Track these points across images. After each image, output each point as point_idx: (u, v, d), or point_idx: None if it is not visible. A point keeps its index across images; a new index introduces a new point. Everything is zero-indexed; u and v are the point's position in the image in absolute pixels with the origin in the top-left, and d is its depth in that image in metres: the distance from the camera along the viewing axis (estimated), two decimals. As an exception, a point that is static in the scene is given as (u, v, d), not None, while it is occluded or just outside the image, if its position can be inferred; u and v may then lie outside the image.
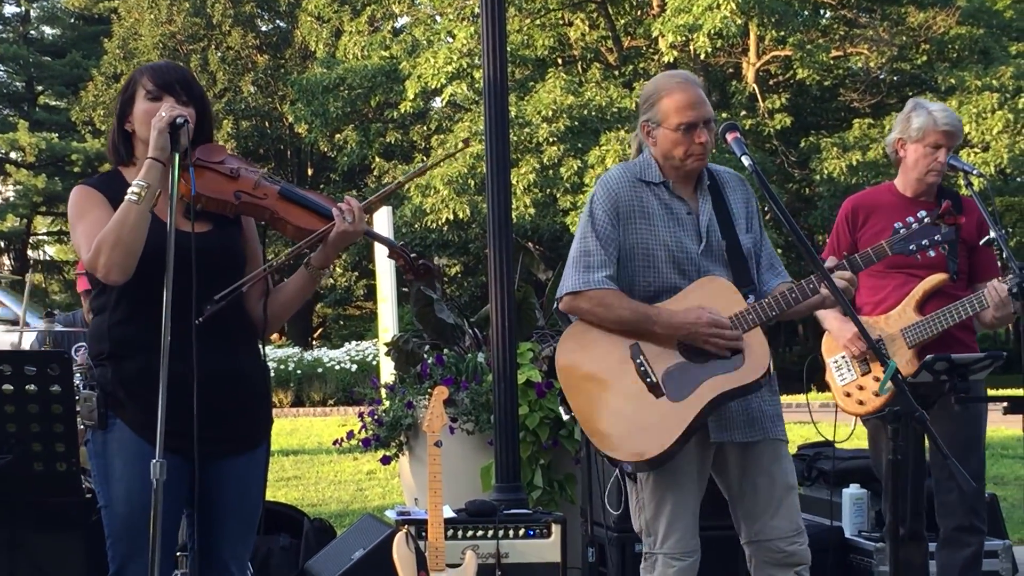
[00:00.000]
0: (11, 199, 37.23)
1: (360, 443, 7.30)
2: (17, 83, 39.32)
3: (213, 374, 3.53)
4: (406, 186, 24.72)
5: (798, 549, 4.15)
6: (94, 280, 3.64)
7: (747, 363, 4.01)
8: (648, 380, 4.03)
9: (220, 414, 3.54)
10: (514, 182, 21.11)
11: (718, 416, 4.09)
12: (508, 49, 9.69)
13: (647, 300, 4.11)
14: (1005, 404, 4.80)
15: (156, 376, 3.36)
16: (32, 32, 40.57)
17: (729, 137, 3.93)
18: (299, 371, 22.40)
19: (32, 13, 40.65)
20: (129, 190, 3.47)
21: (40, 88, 39.28)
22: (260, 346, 3.76)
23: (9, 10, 40.13)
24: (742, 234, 4.23)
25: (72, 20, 40.67)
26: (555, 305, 4.25)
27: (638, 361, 4.05)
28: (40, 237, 38.71)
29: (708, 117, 4.14)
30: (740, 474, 4.19)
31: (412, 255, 3.80)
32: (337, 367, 22.55)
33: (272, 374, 21.21)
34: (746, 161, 3.82)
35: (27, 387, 3.13)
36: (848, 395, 5.18)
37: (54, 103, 38.66)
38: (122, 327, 3.58)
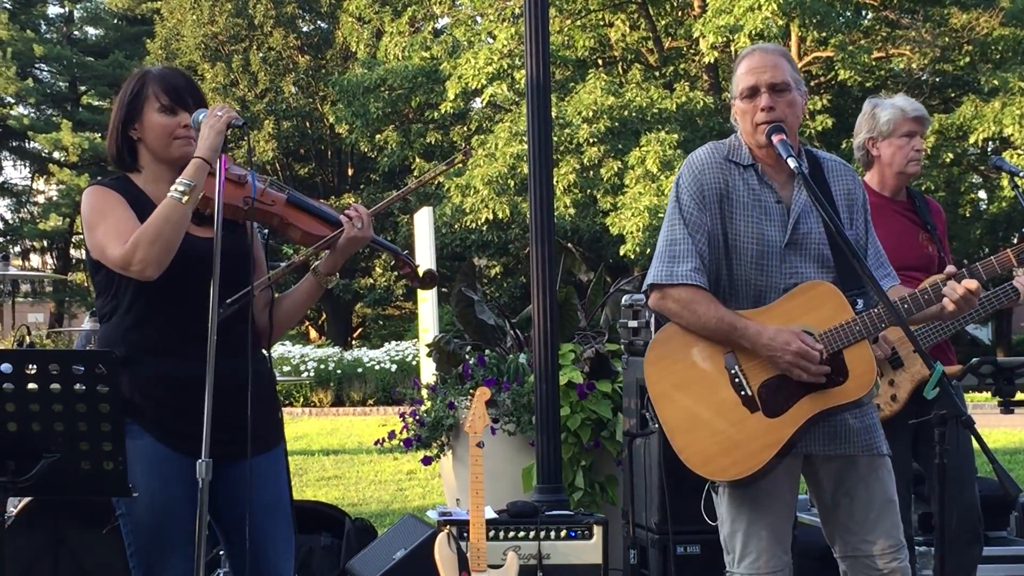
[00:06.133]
0: (54, 198, 37.61)
1: (402, 443, 7.33)
2: (60, 83, 39.65)
3: (227, 378, 3.48)
4: (445, 186, 24.82)
5: (898, 566, 3.83)
6: (103, 284, 3.64)
7: (850, 380, 3.69)
8: (743, 393, 3.74)
9: (237, 416, 3.48)
10: (554, 183, 21.05)
11: None
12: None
13: (725, 294, 3.81)
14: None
15: (175, 380, 3.46)
16: (75, 33, 40.91)
17: (775, 139, 3.74)
18: (339, 371, 22.47)
19: (75, 14, 40.99)
20: (174, 188, 3.47)
21: (83, 88, 39.56)
22: (266, 353, 3.76)
23: (53, 11, 40.53)
24: (847, 228, 3.85)
25: (115, 21, 40.99)
26: (644, 299, 3.96)
27: (733, 371, 3.75)
28: (82, 236, 38.83)
29: (773, 82, 3.82)
30: (835, 486, 3.87)
31: (416, 264, 3.94)
32: (377, 367, 22.61)
33: (312, 373, 21.45)
34: (792, 164, 3.68)
35: (75, 386, 3.13)
36: None
37: (97, 103, 38.89)
38: (136, 331, 3.56)
